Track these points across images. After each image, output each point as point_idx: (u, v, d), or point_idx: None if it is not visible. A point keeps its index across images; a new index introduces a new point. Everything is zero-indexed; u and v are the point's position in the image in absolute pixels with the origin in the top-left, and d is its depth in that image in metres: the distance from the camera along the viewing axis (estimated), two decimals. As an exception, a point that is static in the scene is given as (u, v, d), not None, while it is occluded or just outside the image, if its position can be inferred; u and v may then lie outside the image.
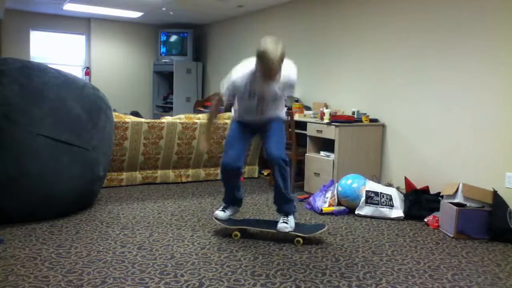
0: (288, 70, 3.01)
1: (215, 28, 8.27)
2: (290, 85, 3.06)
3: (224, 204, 3.30)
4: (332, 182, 4.10)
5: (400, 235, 3.31)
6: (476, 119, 3.80)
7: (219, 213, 3.23)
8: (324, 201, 3.92)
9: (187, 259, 2.68)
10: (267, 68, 2.75)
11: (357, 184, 3.92)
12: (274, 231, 3.07)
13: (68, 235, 3.05)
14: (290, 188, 3.11)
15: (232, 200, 3.28)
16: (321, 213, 3.83)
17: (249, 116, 3.17)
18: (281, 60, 2.76)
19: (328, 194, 3.96)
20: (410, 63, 4.37)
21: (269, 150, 3.08)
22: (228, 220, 3.25)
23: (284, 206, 3.13)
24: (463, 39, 3.88)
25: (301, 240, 3.04)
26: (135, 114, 7.75)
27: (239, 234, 3.15)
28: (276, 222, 3.15)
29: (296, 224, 3.17)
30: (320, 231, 3.09)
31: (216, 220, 3.22)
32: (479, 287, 2.43)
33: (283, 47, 2.79)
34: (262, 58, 2.73)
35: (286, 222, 3.06)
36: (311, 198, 4.04)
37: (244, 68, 3.03)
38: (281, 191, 3.06)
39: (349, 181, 3.96)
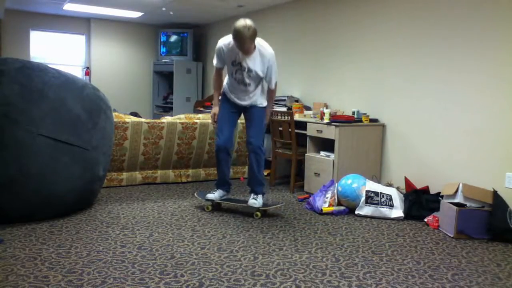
0: (265, 47, 3.52)
1: (215, 28, 8.27)
2: (269, 65, 3.54)
3: (215, 188, 3.84)
4: (332, 182, 4.10)
5: (400, 235, 3.31)
6: (476, 119, 3.80)
7: (210, 195, 3.79)
8: (324, 201, 3.91)
9: (187, 259, 2.68)
10: (240, 44, 3.32)
11: (357, 184, 3.92)
12: (246, 212, 3.16)
13: (68, 235, 3.05)
14: (262, 172, 3.70)
15: (223, 182, 3.80)
16: (321, 213, 3.83)
17: (235, 95, 3.67)
18: (252, 37, 3.30)
19: (328, 194, 3.96)
20: (410, 63, 4.37)
21: (248, 137, 3.65)
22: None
23: (257, 187, 3.70)
24: (463, 39, 3.88)
25: (259, 214, 3.66)
26: (134, 115, 7.74)
27: (210, 207, 3.82)
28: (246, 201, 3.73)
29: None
30: (276, 206, 3.78)
31: (202, 200, 3.86)
32: (479, 287, 2.43)
33: (254, 26, 3.30)
34: (235, 36, 3.30)
35: (255, 199, 3.65)
36: (311, 198, 4.03)
37: (228, 38, 3.51)
38: (255, 174, 3.67)
39: (349, 181, 3.96)
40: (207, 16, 7.72)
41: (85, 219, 3.46)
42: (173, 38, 8.51)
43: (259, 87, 3.67)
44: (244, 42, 3.29)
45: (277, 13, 6.37)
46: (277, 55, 6.43)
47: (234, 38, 3.31)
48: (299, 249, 2.94)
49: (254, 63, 3.49)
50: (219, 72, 3.75)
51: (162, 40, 8.54)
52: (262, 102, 3.71)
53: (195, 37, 8.57)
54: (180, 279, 2.39)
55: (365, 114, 4.62)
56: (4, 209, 3.20)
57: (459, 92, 3.93)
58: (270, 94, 3.74)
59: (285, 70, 6.19)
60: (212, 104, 3.94)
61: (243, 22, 3.27)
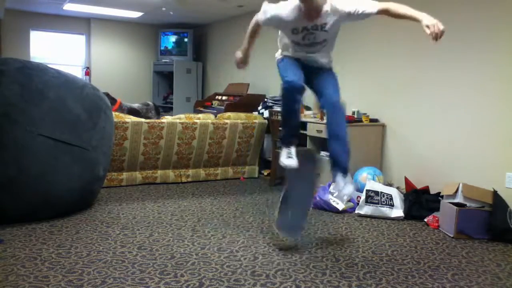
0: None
1: (215, 28, 8.27)
2: (346, 13, 2.76)
3: (287, 148, 2.98)
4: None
5: (400, 235, 3.31)
6: (476, 119, 3.80)
7: (291, 162, 2.92)
8: (330, 198, 3.94)
9: (187, 259, 2.68)
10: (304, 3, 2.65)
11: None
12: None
13: (68, 235, 3.05)
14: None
15: (295, 137, 3.01)
16: (338, 211, 3.88)
17: (300, 55, 2.98)
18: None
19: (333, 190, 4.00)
20: (411, 63, 4.37)
21: (327, 94, 2.91)
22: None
23: (343, 156, 2.86)
24: (463, 39, 3.88)
25: None
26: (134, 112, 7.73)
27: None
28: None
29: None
30: None
31: (286, 167, 2.95)
32: (479, 287, 2.43)
33: None
34: None
35: (350, 184, 2.84)
36: (317, 199, 4.01)
37: (283, 6, 2.83)
38: (340, 138, 2.85)
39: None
40: (207, 16, 7.72)
41: (85, 219, 3.46)
42: (173, 38, 8.51)
43: (328, 46, 2.97)
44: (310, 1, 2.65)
45: (277, 13, 6.36)
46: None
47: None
48: (299, 249, 2.94)
49: (325, 18, 2.79)
50: (259, 28, 3.04)
51: (162, 40, 8.54)
52: (331, 63, 3.08)
53: (195, 37, 8.58)
54: (180, 279, 2.39)
55: (365, 114, 4.62)
56: (4, 209, 3.20)
57: (459, 92, 3.93)
58: (393, 8, 2.76)
59: (285, 70, 6.19)
60: None
61: None
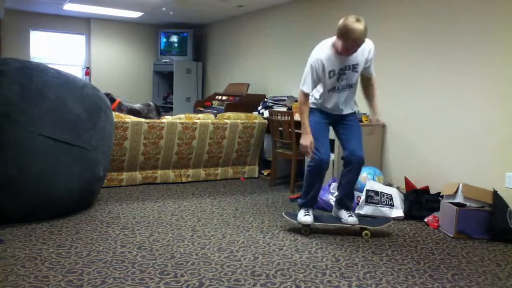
0: (367, 43, 3.11)
1: (215, 28, 8.27)
2: (370, 58, 3.16)
3: (305, 208, 3.28)
4: (334, 180, 4.11)
5: (400, 235, 3.31)
6: (476, 119, 3.80)
7: (305, 218, 3.21)
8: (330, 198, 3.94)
9: (187, 259, 2.68)
10: (352, 44, 2.91)
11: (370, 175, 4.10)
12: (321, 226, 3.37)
13: (68, 235, 3.05)
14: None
15: (315, 200, 3.35)
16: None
17: (332, 106, 3.22)
18: (365, 35, 2.92)
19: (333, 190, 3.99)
20: (410, 63, 4.37)
21: (352, 149, 3.16)
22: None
23: (350, 203, 3.32)
24: (463, 39, 3.88)
25: (369, 233, 3.24)
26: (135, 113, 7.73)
27: (308, 231, 3.27)
28: (335, 218, 3.39)
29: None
30: (386, 224, 3.31)
31: (293, 222, 3.34)
32: (479, 287, 2.43)
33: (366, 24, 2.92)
34: (348, 34, 2.86)
35: (352, 216, 3.28)
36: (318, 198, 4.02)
37: (325, 48, 3.12)
38: (352, 189, 3.27)
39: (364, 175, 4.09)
40: (207, 16, 7.72)
41: (85, 219, 3.46)
42: (173, 38, 8.51)
43: (355, 88, 3.24)
44: (360, 43, 2.92)
45: (277, 13, 6.37)
46: (277, 55, 6.47)
47: (350, 40, 2.87)
48: (299, 249, 2.94)
49: (355, 56, 3.09)
50: (308, 97, 3.14)
51: (162, 40, 8.54)
52: (354, 106, 3.33)
53: (195, 37, 8.57)
54: (180, 279, 2.39)
55: (365, 114, 4.62)
56: (4, 209, 3.20)
57: (459, 92, 3.93)
58: (373, 86, 3.28)
59: (285, 70, 6.19)
60: (301, 131, 3.16)
61: (359, 22, 2.87)
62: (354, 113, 3.33)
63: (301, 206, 3.31)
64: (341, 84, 3.14)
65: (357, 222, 3.25)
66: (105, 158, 3.71)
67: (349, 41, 2.88)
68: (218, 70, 8.20)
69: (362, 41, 2.93)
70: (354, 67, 3.10)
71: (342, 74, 3.10)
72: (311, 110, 3.23)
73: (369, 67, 3.22)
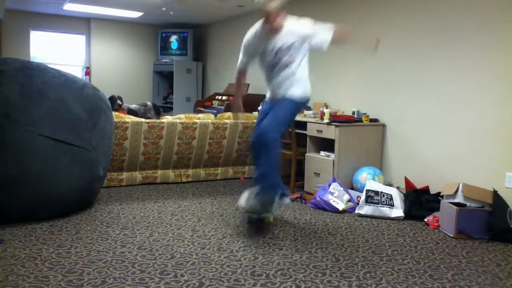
0: (296, 21, 3.19)
1: (215, 28, 8.27)
2: (306, 35, 3.15)
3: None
4: (334, 179, 4.11)
5: (400, 235, 3.31)
6: (476, 119, 3.80)
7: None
8: (330, 198, 3.94)
9: (187, 259, 2.68)
10: (265, 14, 3.02)
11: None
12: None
13: (68, 235, 3.05)
14: (271, 172, 3.15)
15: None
16: (339, 211, 3.88)
17: (271, 89, 3.33)
18: (276, 5, 3.02)
19: (332, 190, 3.99)
20: (411, 63, 4.37)
21: (260, 128, 3.19)
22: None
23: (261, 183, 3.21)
24: (463, 39, 3.88)
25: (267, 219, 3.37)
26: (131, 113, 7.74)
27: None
28: None
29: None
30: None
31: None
32: (479, 287, 2.43)
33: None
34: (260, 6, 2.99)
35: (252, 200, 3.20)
36: (317, 198, 4.01)
37: (251, 29, 3.32)
38: (265, 170, 3.15)
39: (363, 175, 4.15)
40: (207, 16, 7.72)
41: (85, 219, 3.46)
42: (173, 38, 8.51)
43: (299, 70, 3.21)
44: (261, 8, 3.02)
45: (277, 13, 6.36)
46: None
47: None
48: (299, 249, 2.94)
49: (285, 37, 3.15)
50: (242, 74, 3.42)
51: (162, 40, 8.54)
52: (296, 93, 3.22)
53: (195, 37, 8.58)
54: (180, 279, 2.39)
55: (365, 114, 4.62)
56: (4, 209, 3.20)
57: (459, 92, 3.93)
58: (340, 40, 3.29)
59: (285, 70, 6.18)
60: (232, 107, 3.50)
61: None
62: (289, 98, 3.23)
63: (266, 191, 3.22)
64: (271, 61, 3.21)
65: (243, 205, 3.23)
66: (105, 158, 3.71)
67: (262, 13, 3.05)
68: (218, 70, 8.21)
69: (263, 6, 3.01)
70: (282, 46, 3.15)
71: (269, 52, 3.20)
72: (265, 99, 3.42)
73: (314, 44, 3.20)
